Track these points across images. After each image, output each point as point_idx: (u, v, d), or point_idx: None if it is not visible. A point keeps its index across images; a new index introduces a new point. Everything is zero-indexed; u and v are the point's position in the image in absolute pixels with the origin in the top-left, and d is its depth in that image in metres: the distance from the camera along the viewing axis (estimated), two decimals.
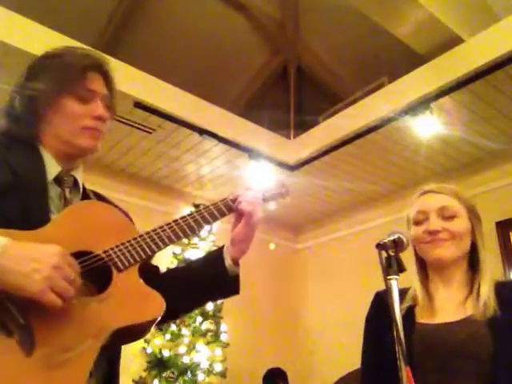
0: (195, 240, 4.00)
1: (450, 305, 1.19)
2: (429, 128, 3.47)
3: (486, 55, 3.04)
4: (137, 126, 3.64)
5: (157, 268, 1.24)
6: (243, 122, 4.18)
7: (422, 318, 1.19)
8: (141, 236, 1.06)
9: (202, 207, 1.16)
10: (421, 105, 3.37)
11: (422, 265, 1.27)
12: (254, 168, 4.10)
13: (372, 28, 4.01)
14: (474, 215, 1.24)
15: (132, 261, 1.02)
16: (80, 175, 1.15)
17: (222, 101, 4.45)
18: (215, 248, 1.25)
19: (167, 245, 1.08)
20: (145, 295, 1.01)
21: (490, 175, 3.93)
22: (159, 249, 1.07)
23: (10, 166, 0.99)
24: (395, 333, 0.91)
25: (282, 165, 4.26)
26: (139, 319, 0.97)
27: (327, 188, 4.58)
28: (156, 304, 1.00)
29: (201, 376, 3.60)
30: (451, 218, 1.20)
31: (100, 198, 1.20)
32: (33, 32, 3.02)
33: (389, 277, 0.97)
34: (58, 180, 1.08)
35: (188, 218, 1.12)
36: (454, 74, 3.18)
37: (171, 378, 3.52)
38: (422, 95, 3.35)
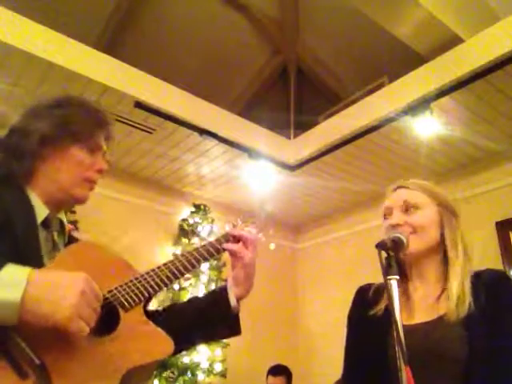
0: (196, 242, 3.98)
1: (425, 304, 1.17)
2: (429, 128, 3.47)
3: (485, 55, 3.04)
4: (137, 126, 3.64)
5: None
6: (243, 122, 4.18)
7: None
8: (142, 276, 1.07)
9: (195, 248, 1.18)
10: (421, 105, 3.37)
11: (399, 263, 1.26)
12: (253, 168, 4.10)
13: (372, 28, 4.02)
14: (445, 209, 1.22)
15: (137, 300, 1.03)
16: (64, 218, 1.15)
17: (222, 101, 4.45)
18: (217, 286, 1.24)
19: (168, 285, 1.10)
20: (153, 335, 1.02)
21: (489, 175, 3.93)
22: (161, 288, 1.09)
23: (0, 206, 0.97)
24: (395, 333, 0.91)
25: (282, 165, 4.26)
26: (150, 359, 0.98)
27: (327, 188, 4.58)
28: (165, 344, 1.01)
29: (201, 376, 3.60)
30: (414, 209, 1.19)
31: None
32: (33, 32, 3.01)
33: (389, 277, 0.96)
34: (46, 223, 1.06)
35: (182, 259, 1.14)
36: (454, 74, 3.18)
37: (171, 377, 3.51)
38: (421, 95, 3.35)
